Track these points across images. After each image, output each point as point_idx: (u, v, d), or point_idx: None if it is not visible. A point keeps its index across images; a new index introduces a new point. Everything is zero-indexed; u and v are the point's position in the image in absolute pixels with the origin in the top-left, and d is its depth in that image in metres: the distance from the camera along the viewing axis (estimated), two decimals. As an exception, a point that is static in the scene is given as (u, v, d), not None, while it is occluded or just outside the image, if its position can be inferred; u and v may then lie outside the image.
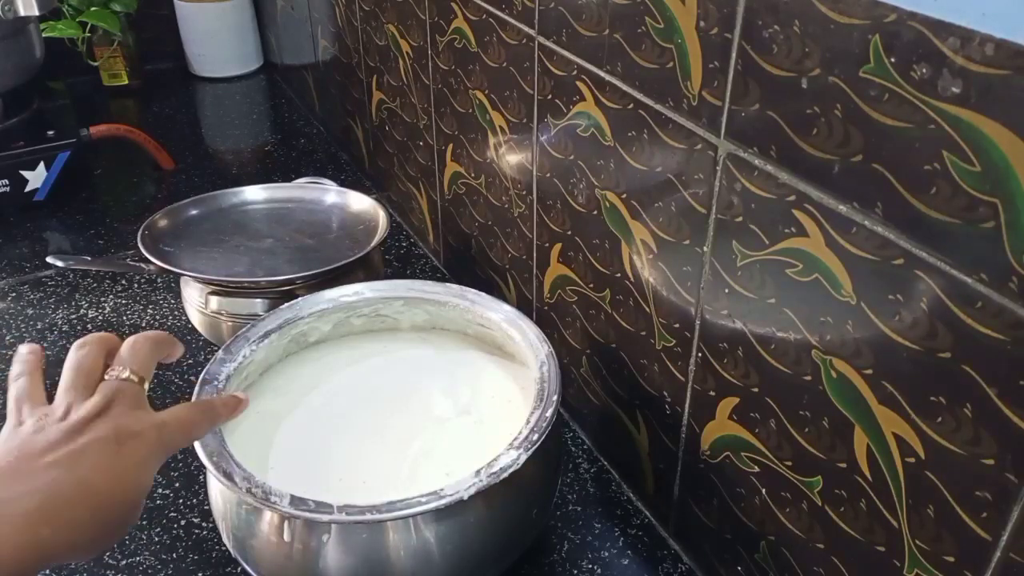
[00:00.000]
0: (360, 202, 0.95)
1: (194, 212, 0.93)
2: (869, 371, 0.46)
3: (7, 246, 1.10)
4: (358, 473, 0.63)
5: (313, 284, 0.81)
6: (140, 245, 0.84)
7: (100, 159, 1.30)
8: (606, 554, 0.70)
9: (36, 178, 1.16)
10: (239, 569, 0.68)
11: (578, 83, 0.66)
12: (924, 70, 0.39)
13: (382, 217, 0.91)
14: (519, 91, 0.75)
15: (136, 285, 1.03)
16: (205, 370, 0.66)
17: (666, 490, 0.69)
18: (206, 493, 0.68)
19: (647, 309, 0.65)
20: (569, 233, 0.74)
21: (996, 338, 0.39)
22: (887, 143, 0.42)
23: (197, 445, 0.58)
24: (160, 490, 0.76)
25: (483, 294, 0.74)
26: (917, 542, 0.46)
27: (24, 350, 0.51)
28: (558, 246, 0.76)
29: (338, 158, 1.33)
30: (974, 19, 0.36)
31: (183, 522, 0.73)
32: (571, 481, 0.76)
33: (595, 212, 0.69)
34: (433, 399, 0.70)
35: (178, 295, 0.93)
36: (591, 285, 0.73)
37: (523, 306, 0.85)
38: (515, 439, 0.58)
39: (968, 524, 0.42)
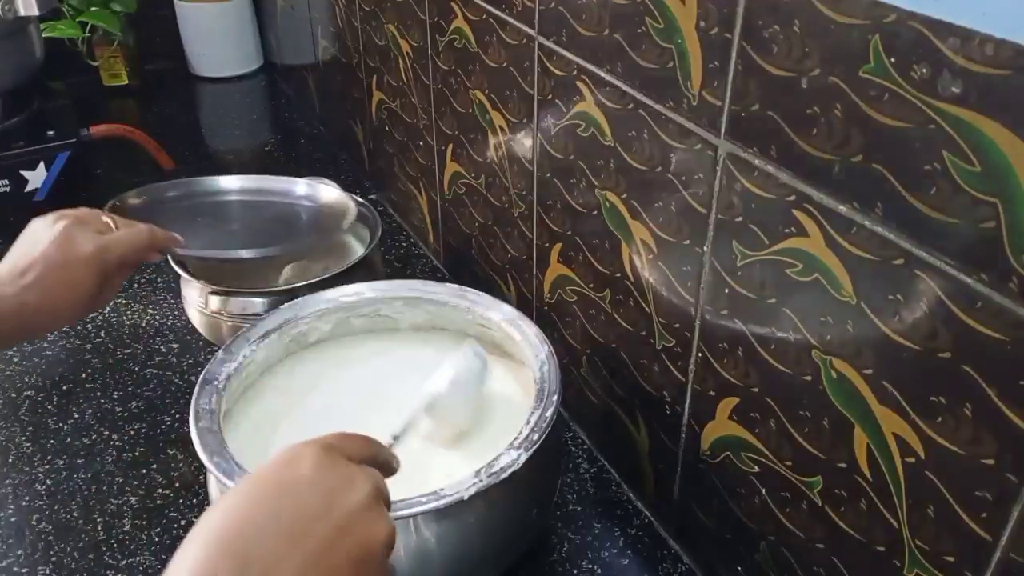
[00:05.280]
0: (329, 194, 0.94)
1: (162, 195, 0.92)
2: (869, 371, 0.46)
3: (7, 246, 1.10)
4: (358, 473, 0.63)
5: (313, 286, 0.81)
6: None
7: (100, 159, 1.30)
8: (606, 554, 0.70)
9: (36, 178, 1.16)
10: (239, 569, 0.68)
11: (578, 83, 0.66)
12: (924, 70, 0.39)
13: (351, 206, 0.90)
14: (519, 91, 0.75)
15: (136, 285, 1.03)
16: (205, 370, 0.66)
17: (666, 490, 0.69)
18: (206, 493, 0.68)
19: (647, 309, 0.65)
20: (569, 233, 0.74)
21: (996, 338, 0.39)
22: (887, 143, 0.42)
23: (197, 445, 0.58)
24: (160, 490, 0.76)
25: (483, 294, 0.74)
26: (917, 542, 0.46)
27: None
28: (558, 246, 0.76)
29: (338, 158, 1.33)
30: (974, 19, 0.36)
31: (183, 522, 0.73)
32: (571, 481, 0.76)
33: (595, 212, 0.69)
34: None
35: (178, 295, 0.93)
36: (591, 285, 0.73)
37: (523, 306, 0.85)
38: (515, 439, 0.58)
39: (968, 524, 0.42)
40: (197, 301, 0.85)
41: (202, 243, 0.83)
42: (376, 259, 0.90)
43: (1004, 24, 0.35)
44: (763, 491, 0.58)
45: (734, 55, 0.50)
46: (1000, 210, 0.37)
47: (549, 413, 0.60)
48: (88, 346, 0.93)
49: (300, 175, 1.05)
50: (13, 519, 0.73)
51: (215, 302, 0.84)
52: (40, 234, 0.66)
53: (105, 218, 0.70)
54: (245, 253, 0.82)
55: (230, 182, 0.96)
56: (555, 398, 0.62)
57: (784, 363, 0.53)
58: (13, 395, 0.87)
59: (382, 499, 0.44)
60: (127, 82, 1.57)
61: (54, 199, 1.18)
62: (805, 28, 0.45)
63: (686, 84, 0.54)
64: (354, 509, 0.41)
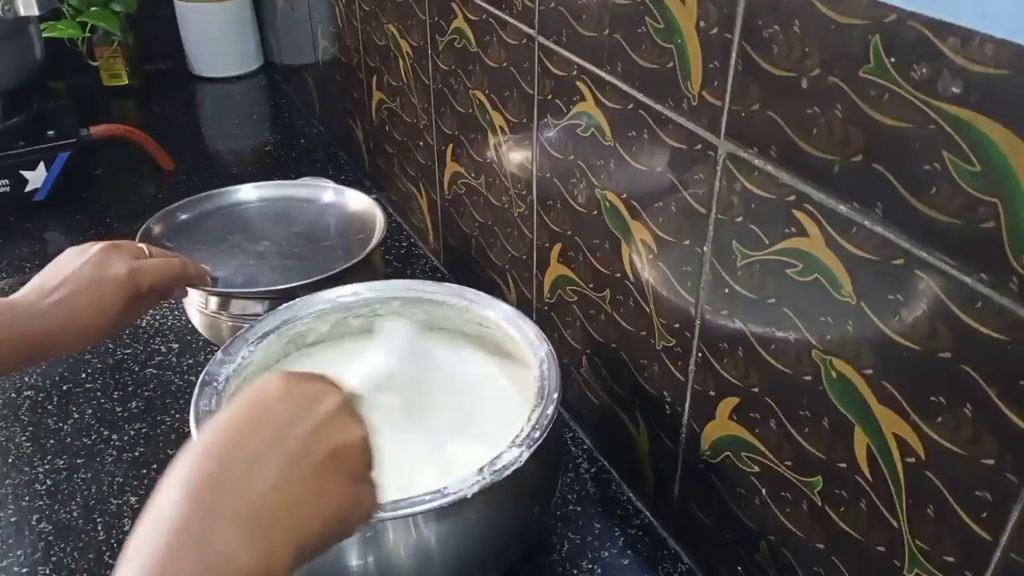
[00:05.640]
0: (358, 202, 0.95)
1: (190, 214, 0.94)
2: (869, 371, 0.46)
3: (7, 246, 1.10)
4: (358, 473, 0.63)
5: (313, 286, 0.81)
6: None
7: (100, 159, 1.30)
8: (606, 554, 0.70)
9: (36, 178, 1.16)
10: (239, 569, 0.68)
11: (578, 83, 0.66)
12: (924, 70, 0.39)
13: (379, 218, 0.91)
14: (519, 91, 0.75)
15: (136, 285, 1.02)
16: (204, 371, 0.66)
17: (666, 490, 0.69)
18: (206, 493, 0.68)
19: (647, 309, 0.65)
20: (569, 233, 0.74)
21: (996, 338, 0.39)
22: (887, 143, 0.42)
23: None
24: (160, 490, 0.76)
25: (481, 293, 0.74)
26: (917, 542, 0.46)
27: None
28: (558, 246, 0.76)
29: (338, 158, 1.33)
30: (974, 19, 0.36)
31: (183, 522, 0.73)
32: (571, 481, 0.76)
33: (595, 212, 0.69)
34: (432, 399, 0.70)
35: (178, 295, 0.93)
36: (591, 285, 0.73)
37: (523, 306, 0.85)
38: (517, 437, 0.58)
39: (968, 524, 0.42)
40: (197, 301, 0.85)
41: (232, 268, 0.86)
42: (377, 259, 0.90)
43: (1004, 24, 0.35)
44: (763, 491, 0.58)
45: (734, 55, 0.50)
46: (1000, 210, 0.37)
47: (550, 411, 0.60)
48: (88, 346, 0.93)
49: (300, 175, 1.06)
50: (13, 519, 0.73)
51: (215, 302, 0.84)
52: (74, 257, 0.67)
53: (140, 245, 0.72)
54: (272, 288, 0.82)
55: (251, 192, 0.97)
56: (555, 395, 0.62)
57: (784, 363, 0.53)
58: (13, 395, 0.87)
59: (353, 411, 0.46)
60: (127, 82, 1.57)
61: (54, 199, 1.18)
62: (805, 28, 0.45)
63: (686, 84, 0.54)
64: (327, 414, 0.43)
